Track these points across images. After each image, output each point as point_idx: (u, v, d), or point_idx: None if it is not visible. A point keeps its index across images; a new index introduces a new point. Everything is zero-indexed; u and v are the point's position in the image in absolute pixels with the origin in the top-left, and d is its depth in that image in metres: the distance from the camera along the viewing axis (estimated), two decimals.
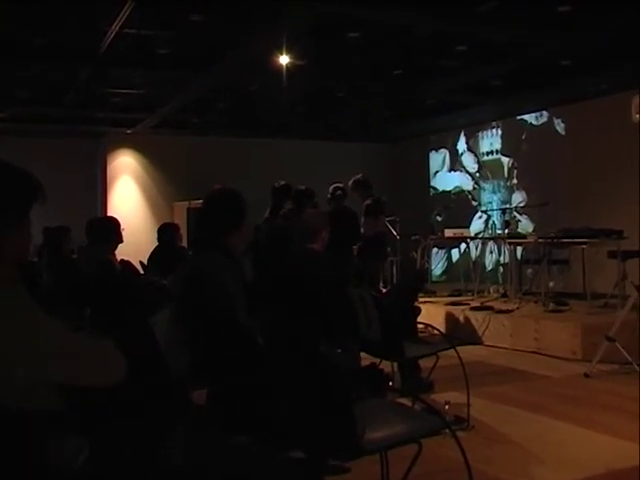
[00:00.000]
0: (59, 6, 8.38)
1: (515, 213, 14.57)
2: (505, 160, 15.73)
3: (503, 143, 15.82)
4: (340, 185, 9.59)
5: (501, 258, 14.33)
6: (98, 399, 2.53)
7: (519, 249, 12.07)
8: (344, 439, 3.40)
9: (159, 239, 9.58)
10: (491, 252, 14.97)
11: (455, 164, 17.43)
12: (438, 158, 18.05)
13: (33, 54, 10.13)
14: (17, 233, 2.42)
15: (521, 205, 14.84)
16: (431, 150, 18.15)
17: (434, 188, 18.15)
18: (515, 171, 15.44)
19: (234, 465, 2.72)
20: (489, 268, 15.14)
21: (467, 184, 17.10)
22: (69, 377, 2.40)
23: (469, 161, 16.96)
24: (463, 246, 14.26)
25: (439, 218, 15.11)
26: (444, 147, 17.75)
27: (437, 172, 18.14)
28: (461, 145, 17.18)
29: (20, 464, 2.26)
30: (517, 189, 15.34)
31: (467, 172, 17.04)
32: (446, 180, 17.84)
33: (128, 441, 2.63)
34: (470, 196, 16.88)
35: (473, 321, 10.37)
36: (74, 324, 2.51)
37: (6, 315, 2.27)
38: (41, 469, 2.31)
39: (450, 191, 17.64)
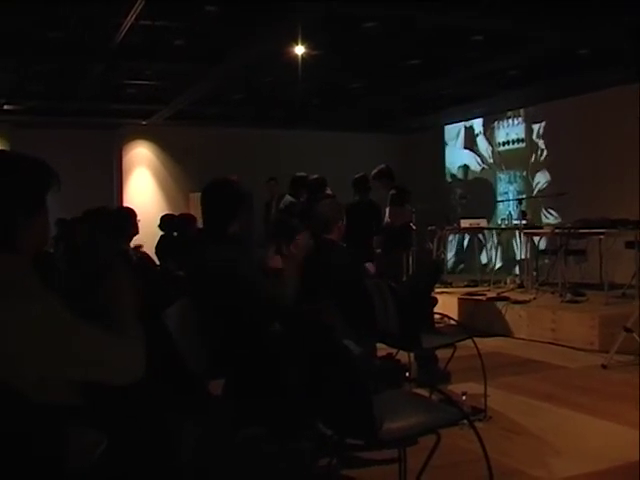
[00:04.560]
0: None
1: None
2: (522, 150, 15.66)
3: (520, 133, 15.75)
4: (364, 175, 9.61)
5: (517, 248, 14.29)
6: (116, 393, 2.53)
7: (536, 239, 12.02)
8: (363, 430, 3.40)
9: (162, 229, 9.63)
10: (508, 243, 14.95)
11: (469, 143, 17.40)
12: (453, 131, 18.00)
13: (49, 47, 10.14)
14: (33, 223, 2.42)
15: (534, 196, 14.75)
16: (446, 124, 18.06)
17: (448, 171, 18.14)
18: (532, 161, 15.37)
19: (246, 458, 2.73)
20: (505, 258, 15.10)
21: (475, 166, 17.11)
22: (86, 372, 2.40)
23: (483, 145, 16.92)
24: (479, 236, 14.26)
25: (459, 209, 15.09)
26: (461, 121, 17.66)
27: (448, 145, 18.15)
28: (477, 127, 17.11)
29: (38, 456, 2.27)
30: (533, 178, 15.27)
31: (479, 155, 17.01)
32: (457, 156, 17.86)
33: (144, 435, 2.63)
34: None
35: (490, 312, 10.34)
36: (94, 318, 2.49)
37: (21, 308, 2.27)
38: (58, 462, 2.31)
39: (460, 167, 17.68)
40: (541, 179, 15.05)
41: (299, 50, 10.26)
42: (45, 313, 2.29)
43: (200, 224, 5.88)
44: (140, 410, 2.70)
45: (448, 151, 18.21)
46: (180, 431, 2.72)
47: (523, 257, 12.54)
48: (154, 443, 2.59)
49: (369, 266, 6.42)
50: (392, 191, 9.71)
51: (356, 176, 9.74)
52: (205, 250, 4.38)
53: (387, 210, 9.87)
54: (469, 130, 17.39)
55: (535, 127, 15.30)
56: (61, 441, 2.32)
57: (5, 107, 14.07)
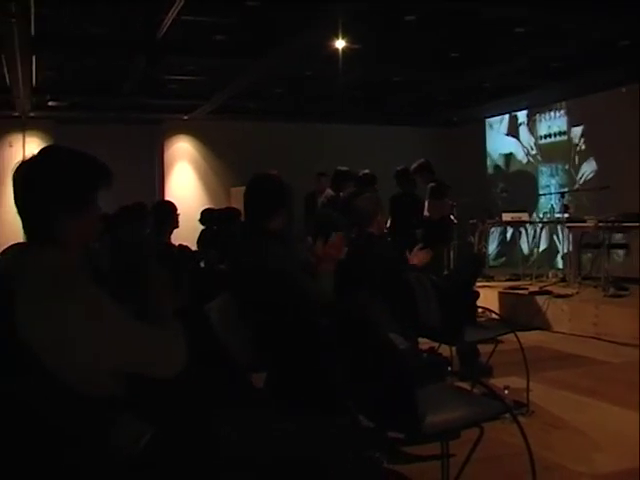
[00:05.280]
0: None
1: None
2: (564, 143, 15.51)
3: (562, 126, 15.60)
4: (406, 168, 9.60)
5: (560, 242, 14.18)
6: (160, 385, 2.56)
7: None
8: (406, 423, 3.40)
9: (202, 223, 9.69)
10: (550, 236, 14.84)
11: (512, 130, 17.29)
12: (496, 119, 17.88)
13: (92, 43, 10.26)
14: (81, 218, 2.46)
15: (575, 190, 14.58)
16: (487, 117, 17.94)
17: (490, 158, 18.03)
18: (573, 154, 15.22)
19: (290, 446, 2.73)
20: (548, 252, 14.99)
21: (520, 155, 17.00)
22: (129, 364, 2.44)
23: (525, 136, 16.80)
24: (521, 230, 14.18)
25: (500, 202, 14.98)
26: (502, 114, 17.53)
27: (492, 129, 18.02)
28: (521, 117, 16.95)
29: (84, 446, 2.30)
30: (577, 171, 15.11)
31: (522, 145, 16.89)
32: (501, 143, 17.72)
33: (187, 426, 2.66)
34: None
35: (531, 306, 10.29)
36: (136, 312, 2.52)
37: (68, 300, 2.31)
38: (105, 452, 2.34)
39: (503, 155, 17.57)
40: (587, 169, 14.86)
41: (339, 44, 10.27)
42: (91, 306, 2.33)
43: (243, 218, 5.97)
44: (183, 402, 2.73)
45: (492, 137, 18.02)
46: (223, 423, 2.75)
47: (565, 251, 12.45)
48: (197, 434, 2.61)
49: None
50: (431, 184, 9.70)
51: (398, 169, 9.75)
52: (247, 245, 4.41)
53: (426, 204, 9.86)
54: (513, 117, 17.22)
55: (577, 119, 15.14)
56: (107, 432, 2.35)
57: (49, 103, 14.23)
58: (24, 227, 2.46)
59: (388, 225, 10.47)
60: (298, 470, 2.67)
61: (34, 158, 2.50)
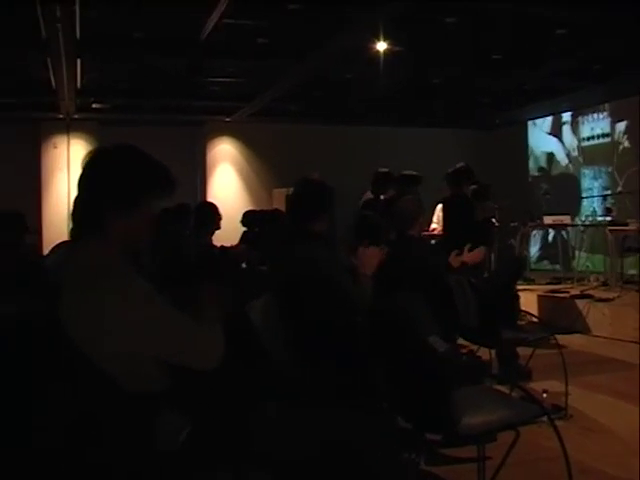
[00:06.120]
0: None
1: None
2: (607, 145, 15.37)
3: (605, 128, 15.45)
4: (456, 169, 9.54)
5: (602, 246, 14.07)
6: (198, 380, 2.61)
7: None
8: (442, 424, 3.43)
9: (244, 225, 9.76)
10: (593, 240, 14.73)
11: (555, 129, 17.15)
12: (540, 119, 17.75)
13: (136, 46, 10.37)
14: (130, 218, 2.51)
15: (618, 192, 14.42)
16: (529, 119, 17.78)
17: (532, 156, 17.88)
18: (617, 156, 15.07)
19: (327, 445, 2.76)
20: (589, 256, 14.87)
21: (561, 156, 16.88)
22: (170, 354, 2.49)
23: (568, 138, 16.65)
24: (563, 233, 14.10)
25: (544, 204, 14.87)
26: (544, 116, 17.37)
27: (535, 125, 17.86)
28: (565, 116, 16.79)
29: (127, 440, 2.36)
30: (619, 174, 14.96)
31: (564, 146, 16.75)
32: (544, 141, 17.57)
33: (226, 420, 2.70)
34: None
35: (572, 309, 10.23)
36: (182, 306, 2.58)
37: (106, 291, 2.36)
38: (147, 446, 2.39)
39: (544, 153, 17.45)
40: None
41: (380, 46, 10.28)
42: (128, 295, 2.39)
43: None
44: (221, 398, 2.78)
45: (535, 135, 17.83)
46: (260, 418, 2.80)
47: (607, 254, 12.36)
48: (234, 428, 2.66)
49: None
50: (473, 186, 9.68)
51: (449, 170, 9.70)
52: (290, 248, 4.45)
53: None
54: (557, 117, 17.03)
55: (620, 116, 14.96)
56: (151, 425, 2.41)
57: (93, 105, 14.40)
58: (73, 213, 2.53)
59: (436, 226, 10.50)
60: (334, 470, 2.70)
61: (106, 149, 2.58)
